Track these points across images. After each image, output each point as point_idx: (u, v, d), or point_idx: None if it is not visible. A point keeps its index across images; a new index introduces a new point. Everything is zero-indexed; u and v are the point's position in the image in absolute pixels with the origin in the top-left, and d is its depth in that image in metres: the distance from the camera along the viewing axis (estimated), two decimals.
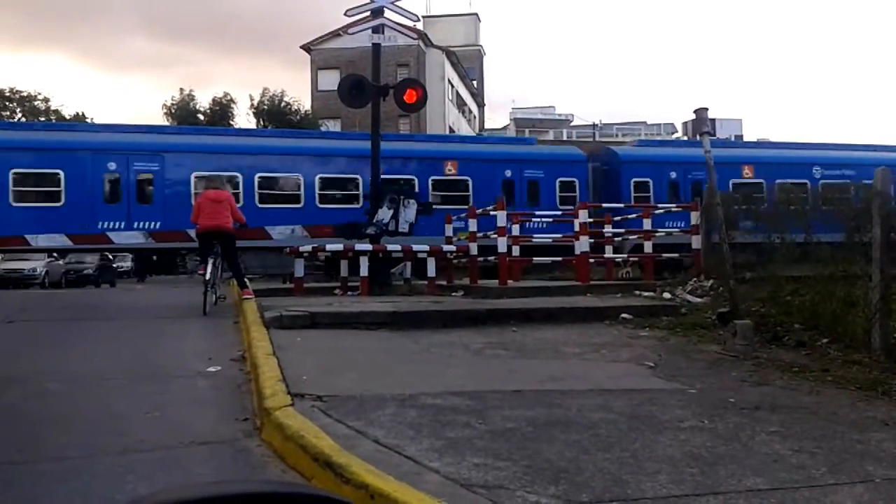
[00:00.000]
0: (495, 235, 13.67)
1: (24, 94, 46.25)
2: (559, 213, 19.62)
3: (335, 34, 44.12)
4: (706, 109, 9.86)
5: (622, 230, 16.71)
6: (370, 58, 14.93)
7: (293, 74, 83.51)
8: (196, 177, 21.97)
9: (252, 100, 43.14)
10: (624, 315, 9.73)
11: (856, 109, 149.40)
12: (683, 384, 6.08)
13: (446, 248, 14.85)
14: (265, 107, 42.47)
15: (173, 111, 42.88)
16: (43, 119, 43.03)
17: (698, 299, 11.00)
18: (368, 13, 14.56)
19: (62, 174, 21.50)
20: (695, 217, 13.93)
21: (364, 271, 13.29)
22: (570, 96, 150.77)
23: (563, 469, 3.79)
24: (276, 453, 4.46)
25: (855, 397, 5.65)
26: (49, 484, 4.08)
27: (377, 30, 14.54)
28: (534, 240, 16.44)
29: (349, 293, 13.54)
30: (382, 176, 15.16)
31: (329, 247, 14.25)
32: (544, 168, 25.73)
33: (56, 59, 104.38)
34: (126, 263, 37.06)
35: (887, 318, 6.98)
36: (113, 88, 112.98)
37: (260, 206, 22.58)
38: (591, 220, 15.45)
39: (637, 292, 12.19)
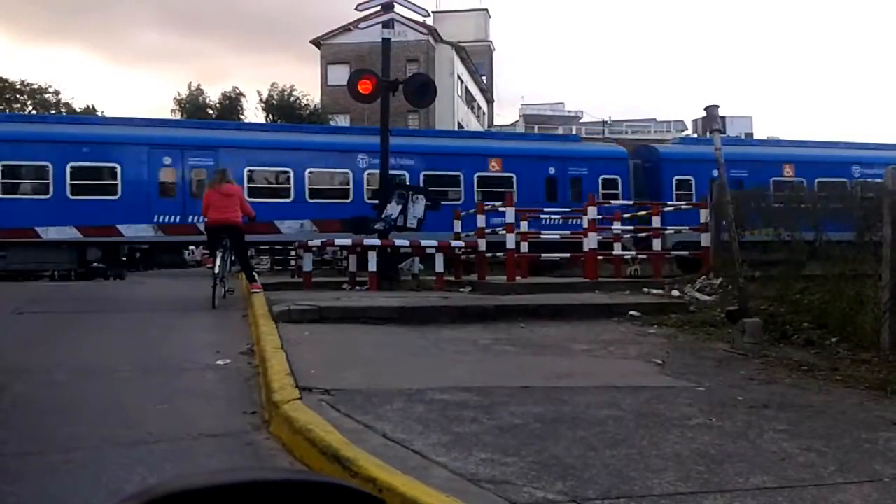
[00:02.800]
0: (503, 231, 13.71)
1: (35, 86, 46.36)
2: (569, 209, 19.62)
3: (345, 29, 44.06)
4: (717, 107, 9.81)
5: (631, 227, 16.68)
6: (380, 53, 14.92)
7: (304, 69, 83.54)
8: None
9: (260, 94, 43.20)
10: (632, 312, 9.71)
11: (869, 107, 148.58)
12: (692, 382, 6.07)
13: (454, 243, 14.87)
14: (274, 101, 42.49)
15: (183, 105, 42.95)
16: (53, 112, 43.10)
17: (707, 297, 10.98)
18: (379, 8, 14.56)
19: None
20: (704, 215, 13.89)
21: (372, 266, 13.31)
22: (580, 93, 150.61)
23: (571, 465, 3.79)
24: (285, 447, 4.47)
25: (864, 396, 5.63)
26: (58, 475, 4.10)
27: (387, 25, 14.54)
28: (542, 236, 16.48)
29: (357, 288, 13.56)
30: None
31: (337, 241, 14.30)
32: None
33: (70, 52, 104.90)
34: None
35: None
36: (126, 82, 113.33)
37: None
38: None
39: (645, 290, 12.17)
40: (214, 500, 0.97)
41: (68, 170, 21.45)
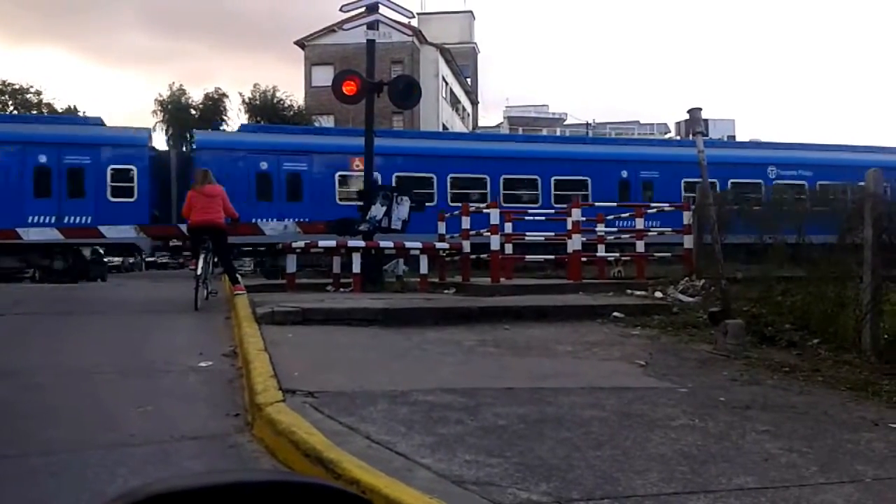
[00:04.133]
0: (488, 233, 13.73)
1: (17, 86, 45.84)
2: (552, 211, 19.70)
3: (330, 30, 44.06)
4: (700, 109, 9.86)
5: (615, 229, 16.75)
6: (364, 54, 14.91)
7: (288, 70, 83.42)
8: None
9: (242, 96, 43.01)
10: (616, 314, 9.74)
11: (849, 109, 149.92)
12: (674, 383, 6.10)
13: (439, 245, 14.87)
14: (257, 102, 42.31)
15: (165, 106, 42.69)
16: (35, 112, 42.68)
17: (690, 299, 11.03)
18: (363, 9, 14.55)
19: None
20: (687, 217, 13.95)
21: (356, 268, 13.27)
22: (564, 95, 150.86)
23: (555, 466, 3.79)
24: (268, 449, 4.45)
25: (845, 397, 5.67)
26: (39, 478, 4.06)
27: (372, 26, 14.53)
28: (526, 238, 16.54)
29: (341, 290, 13.53)
30: None
31: (321, 243, 14.28)
32: None
33: (55, 53, 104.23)
34: None
35: (878, 319, 7.01)
36: (110, 83, 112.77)
37: None
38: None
39: (629, 291, 12.21)
40: (199, 501, 0.96)
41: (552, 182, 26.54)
